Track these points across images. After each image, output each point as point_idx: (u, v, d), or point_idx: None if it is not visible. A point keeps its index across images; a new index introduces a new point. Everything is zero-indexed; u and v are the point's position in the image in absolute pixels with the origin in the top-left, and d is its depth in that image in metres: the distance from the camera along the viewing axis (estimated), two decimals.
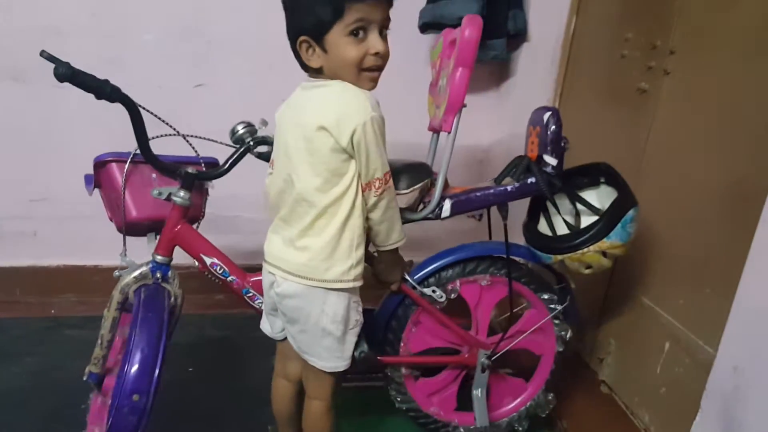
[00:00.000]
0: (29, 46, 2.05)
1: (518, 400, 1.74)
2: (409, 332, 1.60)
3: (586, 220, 1.55)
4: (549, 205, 1.62)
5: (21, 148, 2.18)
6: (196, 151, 1.58)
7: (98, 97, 1.32)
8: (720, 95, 1.51)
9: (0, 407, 1.77)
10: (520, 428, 1.74)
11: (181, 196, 1.47)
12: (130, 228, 1.55)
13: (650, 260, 1.71)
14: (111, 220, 1.57)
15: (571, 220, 1.59)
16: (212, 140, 1.55)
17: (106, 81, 1.32)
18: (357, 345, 1.42)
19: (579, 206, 1.58)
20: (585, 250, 1.46)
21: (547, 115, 1.45)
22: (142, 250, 1.53)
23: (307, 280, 1.29)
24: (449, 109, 1.38)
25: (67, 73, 1.27)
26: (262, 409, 1.62)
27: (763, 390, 1.18)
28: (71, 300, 2.33)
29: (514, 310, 1.63)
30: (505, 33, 2.13)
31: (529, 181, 1.48)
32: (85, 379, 1.53)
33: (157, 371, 1.34)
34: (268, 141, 1.54)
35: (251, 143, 1.54)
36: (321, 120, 1.21)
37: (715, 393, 1.30)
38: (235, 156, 1.54)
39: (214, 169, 1.54)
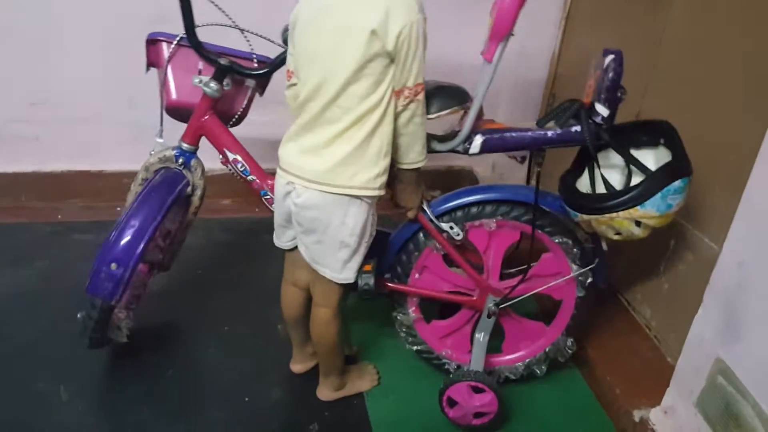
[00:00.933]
0: None
1: (537, 344, 1.66)
2: (421, 264, 1.56)
3: (636, 180, 1.37)
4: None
5: (18, 49, 2.12)
6: (251, 46, 1.54)
7: None
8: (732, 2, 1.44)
9: (10, 310, 1.81)
10: (539, 371, 1.66)
11: (210, 86, 1.46)
12: (173, 111, 1.56)
13: None
14: (162, 98, 1.57)
15: (620, 179, 1.40)
16: (267, 39, 1.52)
17: None
18: (363, 275, 1.43)
19: (631, 166, 1.39)
20: (614, 214, 1.32)
21: (609, 58, 1.29)
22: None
23: (330, 187, 1.26)
24: (493, 35, 1.25)
25: None
26: (271, 309, 1.66)
27: (767, 286, 1.19)
28: (78, 205, 2.34)
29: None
30: None
31: (573, 129, 1.35)
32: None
33: (141, 247, 1.38)
34: None
35: None
36: (371, 22, 1.15)
37: (718, 288, 1.32)
38: (279, 58, 1.49)
39: (252, 68, 1.52)
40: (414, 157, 1.33)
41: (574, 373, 1.76)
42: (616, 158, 1.39)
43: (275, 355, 1.70)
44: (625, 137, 1.38)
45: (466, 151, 1.39)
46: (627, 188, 1.34)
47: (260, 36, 1.53)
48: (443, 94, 1.36)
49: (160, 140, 1.55)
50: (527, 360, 1.66)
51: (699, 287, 1.36)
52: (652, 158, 1.38)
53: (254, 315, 1.85)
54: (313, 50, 1.23)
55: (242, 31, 1.51)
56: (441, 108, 1.35)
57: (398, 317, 1.64)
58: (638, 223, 1.32)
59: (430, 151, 1.37)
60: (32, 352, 1.67)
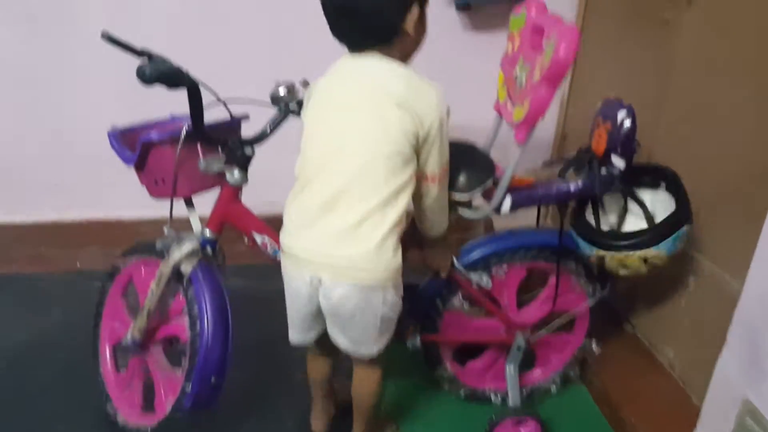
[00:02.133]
0: None
1: (565, 352, 1.75)
2: (450, 314, 1.60)
3: (633, 219, 1.52)
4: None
5: (41, 97, 2.17)
6: (231, 116, 1.50)
7: (170, 86, 1.26)
8: (744, 25, 1.45)
9: (26, 359, 1.82)
10: (573, 373, 1.77)
11: (235, 176, 1.43)
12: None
13: None
14: (144, 185, 1.51)
15: (617, 215, 1.54)
16: (257, 102, 1.48)
17: (180, 69, 1.26)
18: (409, 339, 1.51)
19: (630, 205, 1.53)
20: (631, 253, 1.42)
21: (622, 113, 1.38)
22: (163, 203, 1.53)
23: (371, 273, 1.18)
24: (527, 121, 1.29)
25: (153, 74, 1.19)
26: (290, 354, 1.64)
27: None
28: (96, 253, 2.36)
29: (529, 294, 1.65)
30: None
31: (590, 180, 1.45)
32: (125, 344, 1.53)
33: (229, 351, 1.42)
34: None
35: (294, 105, 1.49)
36: (407, 99, 1.14)
37: (741, 325, 1.29)
38: (278, 120, 1.50)
39: (258, 135, 1.49)
40: (439, 229, 1.34)
41: (597, 415, 1.72)
42: (617, 195, 1.52)
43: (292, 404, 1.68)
44: (630, 178, 1.47)
45: (498, 212, 1.44)
46: (646, 230, 1.44)
47: (253, 102, 1.47)
48: (473, 170, 1.41)
49: (172, 232, 1.49)
50: (561, 369, 1.75)
51: (722, 325, 1.34)
52: (649, 199, 1.52)
53: (273, 357, 1.84)
54: (340, 121, 1.18)
55: (225, 104, 1.46)
56: (473, 186, 1.40)
57: (443, 374, 1.69)
58: (646, 261, 1.42)
59: (464, 218, 1.42)
60: (47, 400, 1.66)
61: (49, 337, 1.90)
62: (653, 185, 1.54)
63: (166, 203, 1.50)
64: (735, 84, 1.48)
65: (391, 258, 1.20)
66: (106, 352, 1.64)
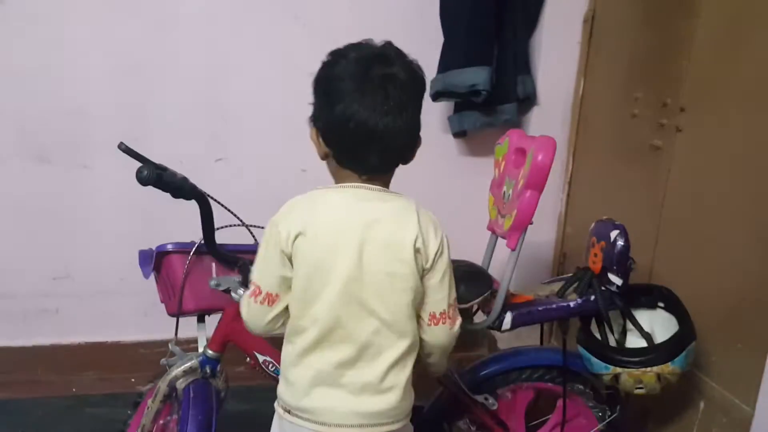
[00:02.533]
0: (54, 126, 2.13)
1: None
2: None
3: (632, 339, 1.54)
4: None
5: (44, 226, 2.21)
6: (255, 240, 1.50)
7: (175, 196, 1.29)
8: (734, 149, 1.51)
9: None
10: None
11: (240, 293, 1.40)
12: (188, 313, 1.50)
13: None
14: (163, 302, 1.53)
15: (618, 334, 1.55)
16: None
17: (185, 179, 1.30)
18: None
19: (629, 325, 1.55)
20: (648, 369, 1.43)
21: (614, 233, 1.44)
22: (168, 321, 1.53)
23: (397, 423, 1.12)
24: (516, 227, 1.36)
25: (152, 177, 1.22)
26: None
27: None
28: (92, 378, 2.32)
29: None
30: (515, 98, 2.18)
31: (592, 298, 1.47)
32: None
33: None
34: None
35: None
36: (417, 240, 1.07)
37: None
38: None
39: None
40: (442, 369, 1.31)
41: None
42: (616, 315, 1.53)
43: None
44: (629, 298, 1.50)
45: (498, 328, 1.45)
46: (659, 344, 1.46)
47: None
48: (471, 282, 1.45)
49: (177, 348, 1.49)
50: None
51: None
52: (647, 319, 1.53)
53: None
54: (344, 269, 1.06)
55: (248, 227, 1.50)
56: (472, 297, 1.43)
57: None
58: (659, 378, 1.43)
59: (464, 330, 1.39)
60: None
61: None
62: (650, 305, 1.56)
63: (170, 326, 1.50)
64: (729, 209, 1.52)
65: (411, 396, 1.15)
66: None
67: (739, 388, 1.47)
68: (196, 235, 1.46)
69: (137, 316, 2.30)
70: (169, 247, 1.45)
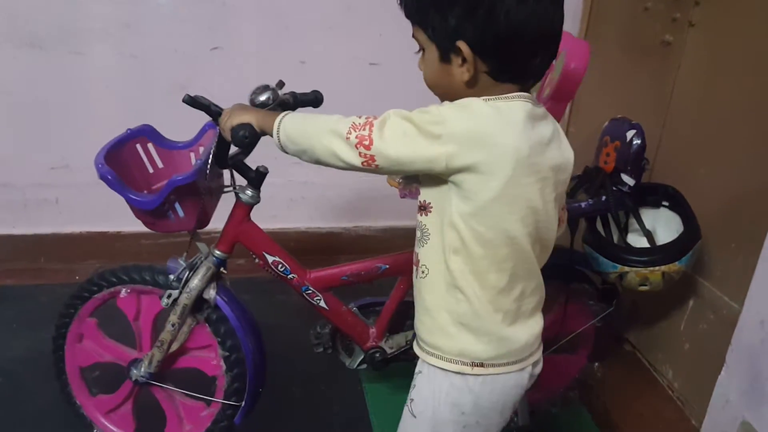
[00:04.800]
0: (45, 12, 2.05)
1: (568, 373, 1.72)
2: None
3: (633, 238, 1.54)
4: (610, 216, 1.58)
5: (40, 115, 2.18)
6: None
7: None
8: (747, 46, 1.46)
9: (26, 372, 1.80)
10: (573, 395, 1.74)
11: (248, 194, 1.38)
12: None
13: None
14: (158, 229, 1.44)
15: (620, 233, 1.57)
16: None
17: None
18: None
19: (631, 224, 1.56)
20: (656, 268, 1.44)
21: (631, 132, 1.41)
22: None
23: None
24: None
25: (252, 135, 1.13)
26: (288, 366, 1.63)
27: None
28: (94, 266, 2.36)
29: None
30: None
31: (603, 198, 1.46)
32: (135, 379, 1.46)
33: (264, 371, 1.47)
34: (288, 104, 1.46)
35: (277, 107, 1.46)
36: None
37: (740, 348, 1.29)
38: None
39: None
40: None
41: None
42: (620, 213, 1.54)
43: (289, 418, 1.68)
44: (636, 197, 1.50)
45: None
46: (669, 244, 1.47)
47: None
48: None
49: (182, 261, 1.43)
50: (563, 390, 1.71)
51: (721, 347, 1.34)
52: (650, 218, 1.55)
53: (271, 375, 1.83)
54: (543, 200, 0.96)
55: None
56: None
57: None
58: (664, 275, 1.45)
59: None
60: (45, 418, 1.66)
61: (47, 352, 1.90)
62: (655, 204, 1.56)
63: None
64: (737, 108, 1.49)
65: None
66: (76, 374, 1.58)
67: (730, 285, 1.50)
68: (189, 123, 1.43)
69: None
70: (181, 180, 1.32)
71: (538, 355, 1.04)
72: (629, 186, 1.43)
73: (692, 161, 1.63)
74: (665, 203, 1.55)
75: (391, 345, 1.51)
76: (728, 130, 1.52)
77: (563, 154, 0.97)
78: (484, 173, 0.89)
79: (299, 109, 1.39)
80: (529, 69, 0.93)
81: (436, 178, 0.94)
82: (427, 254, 1.00)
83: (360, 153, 0.93)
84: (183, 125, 1.49)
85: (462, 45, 0.90)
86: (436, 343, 1.00)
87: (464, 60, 0.91)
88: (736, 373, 1.30)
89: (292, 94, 1.41)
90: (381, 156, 0.92)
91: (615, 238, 1.54)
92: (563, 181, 0.99)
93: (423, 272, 1.00)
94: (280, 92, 1.43)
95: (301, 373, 1.81)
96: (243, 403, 1.43)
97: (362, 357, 1.51)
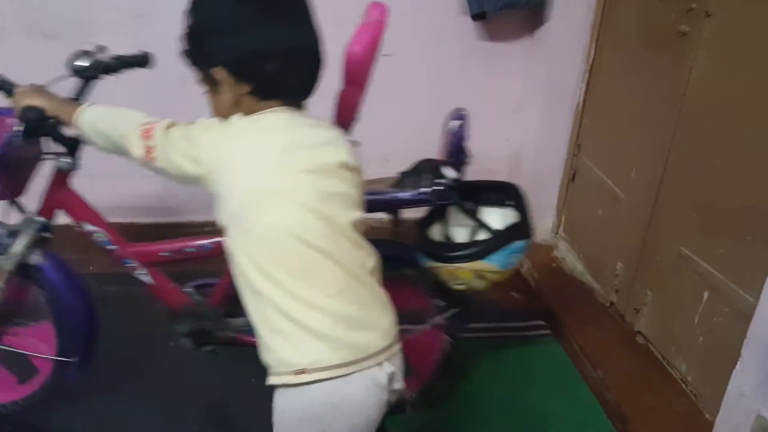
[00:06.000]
0: (60, 2, 2.06)
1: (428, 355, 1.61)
2: None
3: (465, 234, 1.50)
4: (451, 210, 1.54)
5: None
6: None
7: None
8: (765, 36, 1.44)
9: None
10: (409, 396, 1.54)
11: (65, 161, 1.39)
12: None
13: (689, 209, 1.68)
14: None
15: (468, 233, 1.51)
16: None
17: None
18: None
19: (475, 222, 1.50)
20: (458, 265, 1.39)
21: (454, 123, 1.37)
22: None
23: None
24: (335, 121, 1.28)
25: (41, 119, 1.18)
26: (176, 351, 1.60)
27: None
28: None
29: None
30: None
31: (423, 191, 1.41)
32: None
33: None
34: (113, 67, 1.45)
35: (97, 71, 1.44)
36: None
37: (756, 341, 1.28)
38: (85, 91, 1.41)
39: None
40: None
41: (611, 430, 1.70)
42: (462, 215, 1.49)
43: None
44: (477, 195, 1.49)
45: None
46: (474, 242, 1.42)
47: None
48: None
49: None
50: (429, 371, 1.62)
51: (736, 340, 1.33)
52: (498, 217, 1.49)
53: (156, 358, 1.82)
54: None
55: None
56: None
57: None
58: (481, 275, 1.40)
59: None
60: None
61: None
62: (500, 203, 1.52)
63: None
64: (754, 99, 1.47)
65: None
66: None
67: (745, 279, 1.48)
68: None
69: None
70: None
71: (386, 355, 0.99)
72: (452, 179, 1.39)
73: (708, 153, 1.61)
74: (511, 202, 1.51)
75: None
76: (745, 121, 1.50)
77: (341, 156, 1.01)
78: (232, 180, 0.96)
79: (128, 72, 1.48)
80: (287, 85, 1.01)
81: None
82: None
83: (144, 145, 1.03)
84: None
85: (218, 71, 0.98)
86: (264, 359, 0.98)
87: (224, 85, 0.99)
88: (751, 367, 1.29)
89: (118, 57, 1.44)
90: (159, 154, 1.02)
91: (460, 236, 1.49)
92: (348, 178, 1.01)
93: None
94: (103, 56, 1.44)
95: None
96: (76, 359, 1.48)
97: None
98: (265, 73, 0.98)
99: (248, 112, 1.00)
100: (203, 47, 1.00)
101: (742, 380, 1.31)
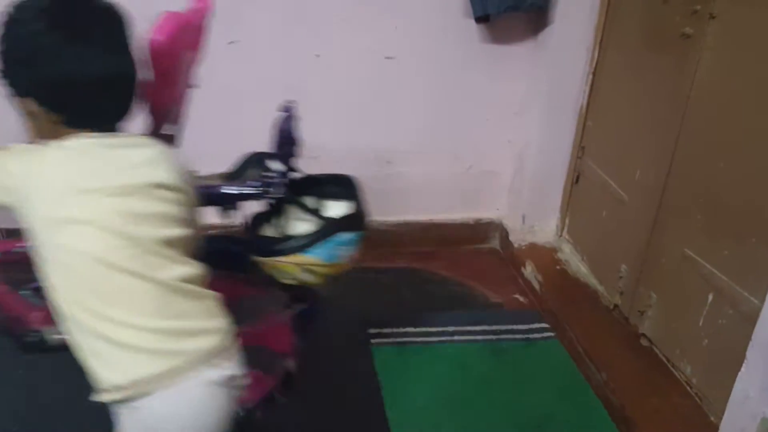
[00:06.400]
0: None
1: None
2: None
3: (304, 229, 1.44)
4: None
5: None
6: None
7: None
8: None
9: None
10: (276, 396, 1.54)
11: None
12: None
13: (693, 211, 1.67)
14: None
15: (308, 227, 1.44)
16: None
17: None
18: None
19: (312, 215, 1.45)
20: (278, 260, 1.34)
21: (281, 117, 1.35)
22: None
23: None
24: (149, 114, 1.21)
25: None
26: (304, 362, 1.60)
27: None
28: None
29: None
30: None
31: (250, 183, 1.39)
32: None
33: None
34: None
35: None
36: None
37: (761, 344, 1.28)
38: None
39: None
40: None
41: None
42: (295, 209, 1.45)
43: None
44: (321, 188, 1.47)
45: None
46: (292, 236, 1.38)
47: None
48: None
49: None
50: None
51: (741, 343, 1.32)
52: (341, 210, 1.45)
53: None
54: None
55: None
56: None
57: None
58: (307, 270, 1.35)
59: None
60: None
61: None
62: (341, 196, 1.48)
63: None
64: (758, 102, 1.47)
65: None
66: None
67: (750, 281, 1.48)
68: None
69: None
70: None
71: (219, 356, 0.98)
72: (281, 172, 1.37)
73: (712, 155, 1.61)
74: (351, 196, 1.47)
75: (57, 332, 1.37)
76: (749, 123, 1.50)
77: (158, 176, 0.99)
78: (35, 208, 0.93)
79: None
80: (100, 113, 1.00)
81: None
82: None
83: None
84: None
85: (27, 102, 0.97)
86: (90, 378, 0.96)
87: (36, 114, 0.97)
88: (756, 370, 1.28)
89: None
90: None
91: (271, 230, 1.44)
92: (165, 197, 1.00)
93: None
94: None
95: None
96: None
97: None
98: (76, 102, 0.97)
99: (62, 138, 0.98)
100: (12, 77, 0.97)
101: (747, 382, 1.31)
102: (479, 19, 2.17)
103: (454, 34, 2.22)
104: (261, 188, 1.37)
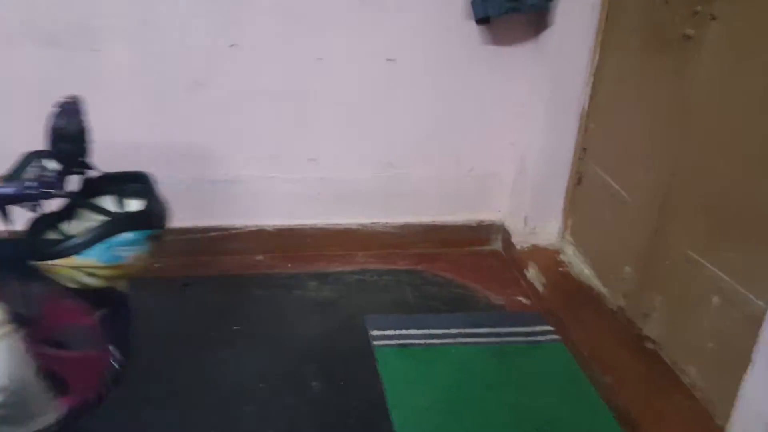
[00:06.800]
0: (64, 9, 2.06)
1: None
2: None
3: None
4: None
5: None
6: None
7: None
8: None
9: None
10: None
11: None
12: None
13: (696, 212, 1.67)
14: None
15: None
16: None
17: None
18: None
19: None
20: (51, 263, 1.27)
21: (52, 113, 1.29)
22: None
23: None
24: None
25: None
26: (308, 365, 1.64)
27: None
28: None
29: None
30: None
31: (28, 184, 1.28)
32: None
33: None
34: None
35: None
36: None
37: (766, 346, 1.27)
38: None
39: None
40: None
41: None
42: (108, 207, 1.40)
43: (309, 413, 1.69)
44: (119, 186, 1.42)
45: None
46: (62, 238, 1.31)
47: None
48: None
49: None
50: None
51: (747, 346, 1.32)
52: (138, 208, 1.40)
53: (290, 369, 1.84)
54: None
55: None
56: None
57: None
58: (89, 273, 1.29)
59: None
60: None
61: None
62: (130, 194, 1.43)
63: None
64: (759, 104, 1.47)
65: None
66: None
67: (755, 283, 1.47)
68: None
69: None
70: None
71: None
72: (56, 171, 1.28)
73: (714, 155, 1.60)
74: (150, 194, 1.42)
75: None
76: (751, 124, 1.49)
77: None
78: None
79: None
80: None
81: None
82: None
83: None
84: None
85: None
86: None
87: None
88: (762, 373, 1.28)
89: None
90: None
91: (56, 233, 1.37)
92: None
93: None
94: None
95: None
96: None
97: None
98: None
99: None
100: None
101: (753, 386, 1.30)
102: (480, 21, 2.17)
103: (454, 36, 2.22)
104: (37, 189, 1.28)
